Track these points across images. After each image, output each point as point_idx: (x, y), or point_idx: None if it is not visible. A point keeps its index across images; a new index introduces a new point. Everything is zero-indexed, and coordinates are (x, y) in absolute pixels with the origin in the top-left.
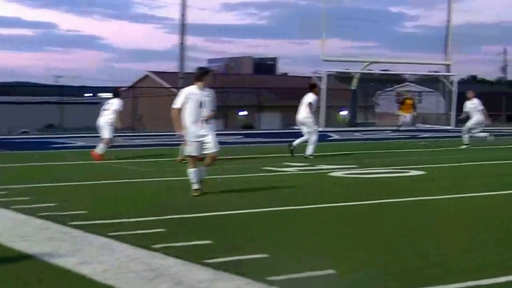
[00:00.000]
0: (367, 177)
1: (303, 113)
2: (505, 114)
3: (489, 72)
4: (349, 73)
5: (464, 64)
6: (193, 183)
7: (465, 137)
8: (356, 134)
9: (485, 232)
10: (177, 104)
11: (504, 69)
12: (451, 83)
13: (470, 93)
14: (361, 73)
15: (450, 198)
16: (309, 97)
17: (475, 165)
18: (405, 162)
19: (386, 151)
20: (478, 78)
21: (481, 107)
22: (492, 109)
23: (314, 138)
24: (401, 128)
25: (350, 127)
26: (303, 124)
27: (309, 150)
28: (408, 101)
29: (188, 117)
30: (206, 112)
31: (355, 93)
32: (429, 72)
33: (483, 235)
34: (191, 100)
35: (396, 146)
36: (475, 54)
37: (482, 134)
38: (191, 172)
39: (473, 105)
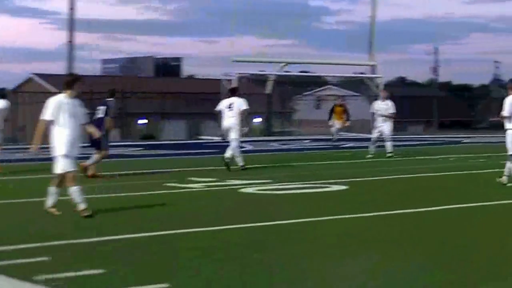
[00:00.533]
0: (282, 193)
1: (231, 118)
2: (437, 120)
3: (419, 73)
4: (264, 75)
5: (392, 65)
6: (79, 202)
7: (388, 145)
8: (272, 144)
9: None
10: (46, 115)
11: (435, 70)
12: (377, 86)
13: (383, 93)
14: (277, 75)
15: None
16: (241, 102)
17: (407, 178)
18: (326, 176)
19: (305, 163)
20: (408, 80)
21: (392, 110)
22: (422, 115)
23: (235, 144)
24: (334, 138)
25: (266, 136)
26: (231, 130)
27: (228, 154)
28: (337, 108)
29: (60, 129)
30: (78, 123)
31: (271, 98)
32: (353, 74)
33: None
34: (62, 111)
35: (316, 158)
36: (403, 53)
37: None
38: (75, 190)
39: (385, 106)
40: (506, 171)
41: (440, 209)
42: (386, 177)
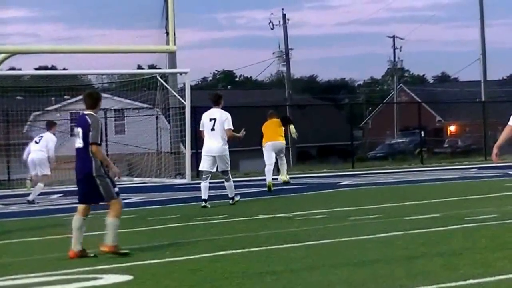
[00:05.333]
0: None
1: (220, 141)
2: (294, 148)
3: (255, 66)
4: None
5: (204, 51)
6: None
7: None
8: None
9: None
10: None
11: (285, 58)
12: (182, 89)
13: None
14: None
15: None
16: (225, 115)
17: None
18: (94, 259)
19: (51, 237)
20: (236, 75)
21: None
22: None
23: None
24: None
25: None
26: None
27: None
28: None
29: None
30: None
31: None
32: (138, 69)
33: None
34: None
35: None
36: (226, 28)
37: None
38: None
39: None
40: None
41: None
42: (193, 257)
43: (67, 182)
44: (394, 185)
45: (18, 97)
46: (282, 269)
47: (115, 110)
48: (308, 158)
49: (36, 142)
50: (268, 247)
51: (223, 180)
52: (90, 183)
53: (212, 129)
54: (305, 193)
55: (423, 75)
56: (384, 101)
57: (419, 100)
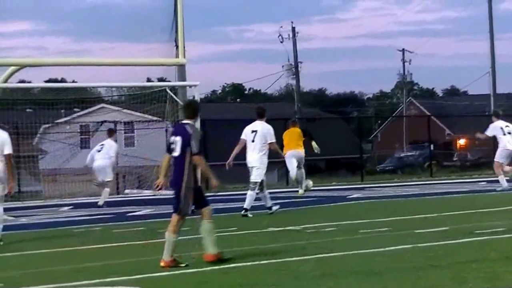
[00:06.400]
0: None
1: (257, 152)
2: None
3: (265, 78)
4: None
5: (214, 63)
6: None
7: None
8: None
9: None
10: None
11: (294, 71)
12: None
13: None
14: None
15: None
16: (266, 127)
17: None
18: (104, 270)
19: (59, 249)
20: (244, 87)
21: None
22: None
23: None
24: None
25: None
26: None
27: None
28: (294, 130)
29: None
30: None
31: None
32: (147, 82)
33: None
34: None
35: (83, 239)
36: (236, 40)
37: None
38: None
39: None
40: None
41: None
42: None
43: (78, 195)
44: (403, 199)
45: (28, 110)
46: (291, 282)
47: (124, 123)
48: (317, 171)
49: (98, 151)
50: (278, 260)
51: (248, 188)
52: (179, 192)
53: (253, 141)
54: (314, 206)
55: (433, 88)
56: (393, 114)
57: (429, 114)
